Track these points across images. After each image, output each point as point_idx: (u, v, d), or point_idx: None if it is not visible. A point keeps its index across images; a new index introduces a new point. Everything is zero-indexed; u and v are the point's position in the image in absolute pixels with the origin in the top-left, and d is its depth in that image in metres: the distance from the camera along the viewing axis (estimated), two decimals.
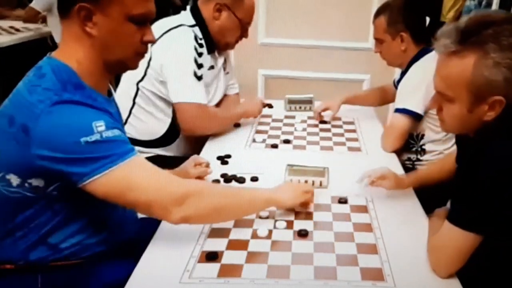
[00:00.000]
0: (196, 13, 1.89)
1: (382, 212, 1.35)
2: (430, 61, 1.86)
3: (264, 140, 1.89)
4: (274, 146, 1.85)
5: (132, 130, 1.89)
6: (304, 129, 2.02)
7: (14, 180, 1.06)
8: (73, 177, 1.03)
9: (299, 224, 1.27)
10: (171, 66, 1.79)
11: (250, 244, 1.18)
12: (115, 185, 1.05)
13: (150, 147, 1.92)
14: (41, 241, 1.12)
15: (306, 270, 1.09)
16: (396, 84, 2.12)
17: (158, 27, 1.88)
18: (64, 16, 1.10)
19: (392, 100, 2.24)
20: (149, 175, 1.10)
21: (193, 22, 1.87)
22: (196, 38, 1.85)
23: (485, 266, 1.13)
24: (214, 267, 1.09)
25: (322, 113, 2.12)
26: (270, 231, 1.23)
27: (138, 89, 1.87)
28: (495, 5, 2.75)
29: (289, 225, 1.27)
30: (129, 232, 1.27)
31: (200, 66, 1.83)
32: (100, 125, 1.04)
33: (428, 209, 1.41)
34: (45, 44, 3.97)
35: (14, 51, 3.78)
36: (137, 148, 1.85)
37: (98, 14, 1.07)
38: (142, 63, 1.80)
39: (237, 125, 2.03)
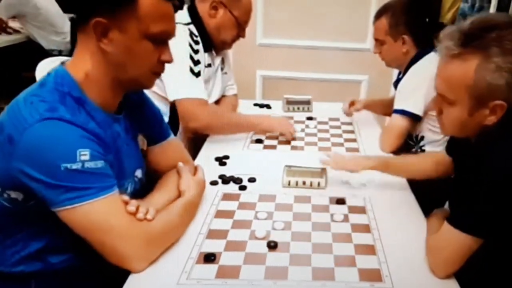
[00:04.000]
0: (192, 11, 1.88)
1: (380, 213, 1.35)
2: (429, 62, 1.87)
3: (262, 141, 1.89)
4: (272, 147, 1.85)
5: None
6: (302, 130, 2.02)
7: None
8: (46, 199, 0.99)
9: (297, 225, 1.27)
10: (167, 64, 1.78)
11: (248, 245, 1.18)
12: (83, 221, 1.00)
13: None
14: (31, 254, 1.10)
15: (304, 271, 1.09)
16: (394, 85, 2.12)
17: None
18: (80, 28, 1.06)
19: None
20: (119, 218, 1.03)
21: (188, 20, 1.87)
22: (191, 35, 1.84)
23: (482, 267, 1.13)
24: (212, 268, 1.08)
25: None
26: (268, 232, 1.23)
27: None
28: (492, 8, 2.75)
29: (287, 226, 1.27)
30: None
31: (196, 62, 1.82)
32: (84, 154, 0.99)
33: (426, 210, 1.41)
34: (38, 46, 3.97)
35: (7, 53, 3.78)
36: None
37: (115, 29, 1.03)
38: None
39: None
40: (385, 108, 2.17)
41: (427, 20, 1.94)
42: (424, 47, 1.89)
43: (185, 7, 1.93)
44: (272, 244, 1.17)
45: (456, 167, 1.38)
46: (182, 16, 1.88)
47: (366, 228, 1.27)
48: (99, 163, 1.01)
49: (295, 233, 1.24)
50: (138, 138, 1.29)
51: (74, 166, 0.97)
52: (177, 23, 1.81)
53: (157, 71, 1.15)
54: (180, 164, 1.36)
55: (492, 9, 2.76)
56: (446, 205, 2.05)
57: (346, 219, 1.31)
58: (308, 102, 2.25)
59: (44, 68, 1.83)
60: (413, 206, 1.42)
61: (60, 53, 3.83)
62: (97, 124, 1.06)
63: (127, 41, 1.04)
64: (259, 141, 1.88)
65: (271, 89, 2.41)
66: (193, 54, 1.81)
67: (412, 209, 1.41)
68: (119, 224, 1.02)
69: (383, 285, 1.05)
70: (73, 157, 0.97)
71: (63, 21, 3.96)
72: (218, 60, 2.02)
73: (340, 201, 1.40)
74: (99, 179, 1.01)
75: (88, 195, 0.99)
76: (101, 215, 1.01)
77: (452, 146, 1.42)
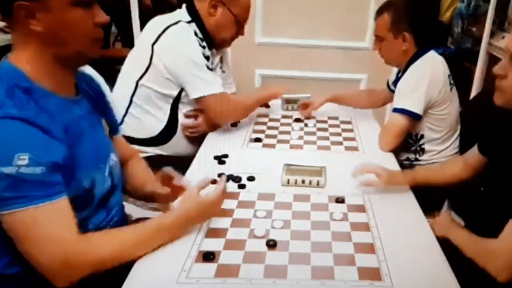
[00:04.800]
0: (191, 10, 1.88)
1: (380, 211, 1.35)
2: (428, 60, 1.87)
3: (261, 140, 1.88)
4: (271, 146, 1.85)
5: (128, 128, 1.88)
6: (301, 129, 2.01)
7: None
8: None
9: (296, 224, 1.27)
10: (183, 64, 1.80)
11: (247, 244, 1.17)
12: (14, 228, 0.97)
13: (146, 145, 1.92)
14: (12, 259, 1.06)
15: (303, 270, 1.08)
16: (391, 85, 2.12)
17: (155, 24, 1.89)
18: (7, 18, 1.02)
19: (381, 104, 2.25)
20: (42, 231, 0.97)
21: (189, 18, 1.87)
22: (196, 33, 1.85)
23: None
24: (211, 267, 1.08)
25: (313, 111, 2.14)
26: (267, 231, 1.23)
27: (137, 86, 1.86)
28: (491, 8, 2.75)
29: (286, 224, 1.27)
30: None
31: (208, 58, 1.85)
32: (23, 159, 0.93)
33: (425, 209, 1.41)
34: None
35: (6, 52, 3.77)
36: (134, 146, 1.88)
37: (38, 8, 0.99)
38: (143, 62, 1.83)
39: (233, 125, 2.03)
40: (352, 101, 2.21)
41: (428, 19, 1.94)
42: (423, 46, 1.89)
43: (184, 6, 1.93)
44: (271, 242, 1.17)
45: (492, 164, 1.38)
46: (183, 14, 1.89)
47: (365, 227, 1.27)
48: (38, 169, 0.95)
49: (295, 232, 1.23)
50: (103, 123, 1.27)
51: (7, 171, 0.93)
52: (180, 21, 1.85)
53: (96, 37, 1.10)
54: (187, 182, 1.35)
55: (492, 7, 2.76)
56: (446, 205, 2.06)
57: (345, 217, 1.31)
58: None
59: None
60: (412, 205, 1.42)
61: None
62: (49, 116, 1.02)
63: (55, 15, 1.02)
64: (258, 140, 1.88)
65: (270, 88, 2.40)
66: (203, 51, 1.83)
67: (412, 207, 1.41)
68: (39, 238, 0.97)
69: (383, 284, 1.05)
70: (8, 161, 0.93)
71: None
72: (217, 59, 2.02)
73: (340, 200, 1.40)
74: (33, 187, 0.95)
75: (15, 204, 0.94)
76: (25, 226, 0.96)
77: (485, 145, 1.45)
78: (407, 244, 1.20)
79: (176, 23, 1.84)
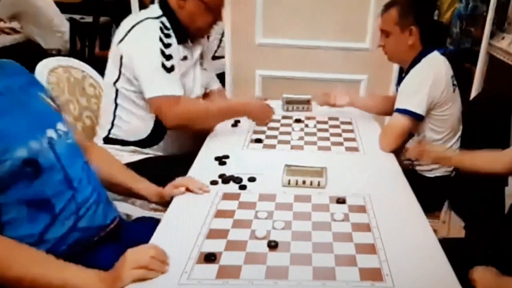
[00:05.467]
0: (163, 3, 1.86)
1: (381, 211, 1.35)
2: (432, 61, 1.88)
3: (261, 140, 1.88)
4: (272, 146, 1.84)
5: (119, 131, 1.89)
6: (301, 129, 2.02)
7: None
8: None
9: (297, 225, 1.27)
10: (139, 61, 1.76)
11: (248, 245, 1.17)
12: None
13: (142, 147, 1.92)
14: None
15: (304, 270, 1.08)
16: (398, 85, 2.12)
17: (125, 23, 1.85)
18: None
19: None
20: None
21: (159, 13, 1.84)
22: (162, 29, 1.81)
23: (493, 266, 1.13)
24: (213, 268, 1.08)
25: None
26: (268, 232, 1.23)
27: (117, 90, 1.85)
28: (491, 8, 2.75)
29: (287, 225, 1.27)
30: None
31: (168, 57, 1.78)
32: None
33: (425, 209, 1.41)
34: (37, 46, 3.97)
35: (6, 53, 3.78)
36: (130, 148, 1.88)
37: None
38: (115, 63, 1.81)
39: (234, 125, 2.03)
40: (376, 105, 2.18)
41: (433, 15, 1.96)
42: (427, 44, 1.89)
43: (156, 4, 1.89)
44: (272, 243, 1.17)
45: None
46: (153, 10, 1.86)
47: (366, 227, 1.27)
48: None
49: (296, 233, 1.23)
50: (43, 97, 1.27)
51: None
52: (146, 18, 1.82)
53: None
54: None
55: (491, 8, 2.76)
56: (446, 205, 2.06)
57: (346, 218, 1.31)
58: (307, 102, 2.24)
59: (43, 68, 1.84)
60: (413, 205, 1.42)
61: (59, 53, 3.83)
62: None
63: None
64: (258, 140, 1.88)
65: (271, 89, 2.41)
66: (164, 49, 1.78)
67: (412, 208, 1.40)
68: None
69: (384, 285, 1.05)
70: None
71: (61, 20, 3.97)
72: (196, 53, 1.97)
73: (340, 201, 1.40)
74: None
75: None
76: None
77: None
78: (408, 244, 1.20)
79: (142, 21, 1.80)
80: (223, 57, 2.86)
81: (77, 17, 4.07)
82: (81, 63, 2.02)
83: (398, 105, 1.86)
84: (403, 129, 1.83)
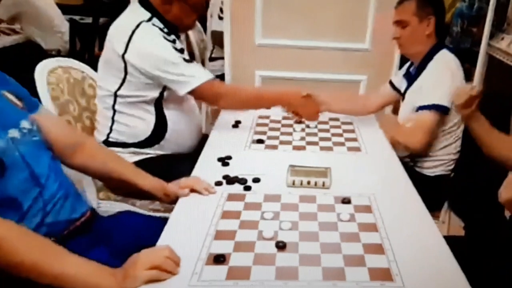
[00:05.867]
0: (147, 6, 1.84)
1: (386, 211, 1.35)
2: (445, 56, 1.90)
3: (263, 141, 1.88)
4: (274, 147, 1.84)
5: (118, 135, 1.89)
6: (302, 129, 2.02)
7: None
8: None
9: (304, 225, 1.27)
10: (161, 67, 1.76)
11: (256, 246, 1.17)
12: None
13: (144, 147, 1.91)
14: None
15: (314, 271, 1.08)
16: (401, 80, 2.12)
17: (118, 32, 1.82)
18: None
19: (381, 105, 2.22)
20: None
21: (148, 15, 1.83)
22: (160, 29, 1.81)
23: (493, 266, 1.14)
24: (222, 269, 1.08)
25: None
26: (276, 232, 1.22)
27: (116, 97, 1.84)
28: (491, 8, 2.77)
29: (294, 226, 1.26)
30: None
31: (181, 51, 1.83)
32: None
33: (429, 208, 1.41)
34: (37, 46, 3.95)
35: (5, 54, 3.75)
36: (130, 149, 1.87)
37: None
38: (118, 73, 1.80)
39: (235, 126, 2.03)
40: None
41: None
42: (440, 38, 1.94)
43: (138, 5, 1.87)
44: (280, 244, 1.17)
45: None
46: (140, 14, 1.83)
47: (373, 227, 1.27)
48: None
49: (303, 233, 1.23)
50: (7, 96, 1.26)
51: None
52: (141, 22, 1.79)
53: None
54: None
55: (491, 9, 2.78)
56: (446, 205, 2.07)
57: (352, 218, 1.31)
58: None
59: (42, 69, 1.82)
60: (418, 204, 1.42)
61: (59, 53, 3.81)
62: None
63: None
64: (260, 141, 1.88)
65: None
66: (174, 45, 1.80)
67: (417, 207, 1.41)
68: None
69: (394, 284, 1.05)
70: None
71: (61, 20, 3.96)
72: (184, 44, 2.01)
73: (346, 201, 1.40)
74: None
75: None
76: None
77: None
78: (416, 244, 1.20)
79: (138, 26, 1.78)
80: (222, 58, 2.86)
81: (76, 18, 4.06)
82: (81, 63, 2.01)
83: (424, 101, 1.85)
84: (433, 125, 1.84)
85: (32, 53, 3.70)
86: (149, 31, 1.79)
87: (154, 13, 1.84)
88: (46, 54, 3.72)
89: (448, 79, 1.83)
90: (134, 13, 1.86)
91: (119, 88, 1.83)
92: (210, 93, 1.85)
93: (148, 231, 1.25)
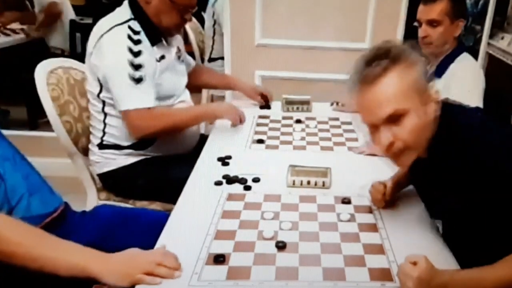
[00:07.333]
0: (133, 5, 1.82)
1: (386, 212, 1.35)
2: (469, 59, 1.96)
3: (264, 141, 1.88)
4: (274, 147, 1.84)
5: (111, 137, 1.88)
6: (302, 129, 2.01)
7: None
8: None
9: (304, 225, 1.27)
10: (108, 75, 1.75)
11: (256, 246, 1.17)
12: None
13: (139, 149, 1.90)
14: None
15: (314, 271, 1.08)
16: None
17: (94, 33, 1.81)
18: None
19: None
20: None
21: (129, 16, 1.80)
22: (130, 36, 1.77)
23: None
24: (222, 269, 1.08)
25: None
26: (276, 232, 1.22)
27: (103, 100, 1.84)
28: (490, 10, 2.77)
29: (294, 226, 1.26)
30: None
31: (137, 67, 1.74)
32: None
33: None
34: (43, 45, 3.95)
35: (5, 54, 3.75)
36: (125, 151, 1.87)
37: None
38: (93, 75, 1.80)
39: (234, 125, 2.02)
40: None
41: None
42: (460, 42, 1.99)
43: (125, 3, 1.86)
44: (280, 244, 1.17)
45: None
46: (122, 14, 1.82)
47: (373, 228, 1.27)
48: None
49: (303, 233, 1.23)
50: None
51: None
52: (114, 26, 1.77)
53: None
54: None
55: (491, 8, 2.78)
56: None
57: (352, 218, 1.31)
58: (307, 102, 2.24)
59: (42, 69, 1.82)
60: (418, 205, 1.41)
61: (62, 53, 3.82)
62: None
63: None
64: (260, 141, 1.88)
65: (270, 89, 2.39)
66: (133, 59, 1.74)
67: (417, 208, 1.40)
68: None
69: (394, 285, 1.05)
70: None
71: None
72: (173, 51, 1.96)
73: (346, 201, 1.40)
74: None
75: None
76: None
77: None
78: (416, 244, 1.20)
79: (109, 30, 1.76)
80: (222, 58, 2.86)
81: (76, 18, 4.06)
82: (81, 64, 2.00)
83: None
84: None
85: (33, 53, 3.70)
86: (115, 38, 1.76)
87: (136, 10, 1.81)
88: (46, 54, 3.72)
89: (478, 82, 1.89)
90: (119, 12, 1.85)
91: (100, 91, 1.82)
92: (128, 122, 1.78)
93: (123, 222, 1.31)
